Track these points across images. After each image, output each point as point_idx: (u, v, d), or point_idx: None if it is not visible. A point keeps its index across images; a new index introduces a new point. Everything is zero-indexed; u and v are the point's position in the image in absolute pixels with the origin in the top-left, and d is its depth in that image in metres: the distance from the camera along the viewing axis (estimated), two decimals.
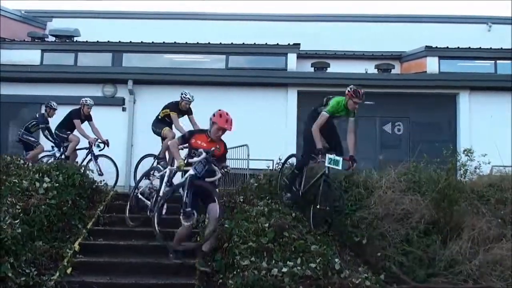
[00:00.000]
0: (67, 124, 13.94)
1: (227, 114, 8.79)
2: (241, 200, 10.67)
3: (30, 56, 19.01)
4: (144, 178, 10.49)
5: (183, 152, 9.63)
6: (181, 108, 12.89)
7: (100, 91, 17.87)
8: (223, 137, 9.05)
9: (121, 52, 19.40)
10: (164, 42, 19.43)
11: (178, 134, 12.80)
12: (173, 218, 9.15)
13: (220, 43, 19.42)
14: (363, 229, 9.41)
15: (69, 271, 8.57)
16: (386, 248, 9.22)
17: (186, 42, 19.47)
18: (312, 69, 19.31)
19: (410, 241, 9.29)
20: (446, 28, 22.49)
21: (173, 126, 12.88)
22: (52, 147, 14.11)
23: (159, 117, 13.05)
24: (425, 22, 23.34)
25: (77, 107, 14.12)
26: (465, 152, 10.74)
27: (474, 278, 8.50)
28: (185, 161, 8.74)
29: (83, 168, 12.34)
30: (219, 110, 8.85)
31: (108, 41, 19.40)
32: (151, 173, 10.57)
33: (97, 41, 19.52)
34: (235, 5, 46.51)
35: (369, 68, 19.51)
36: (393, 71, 19.64)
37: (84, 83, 17.84)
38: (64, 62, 19.09)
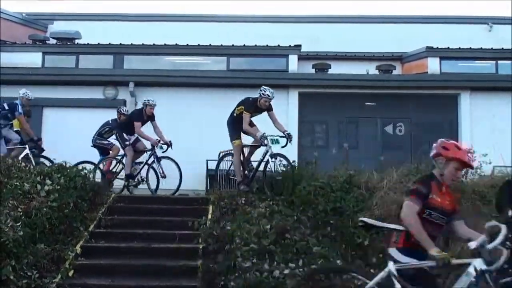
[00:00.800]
0: (129, 127, 13.41)
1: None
2: (243, 201, 10.64)
3: (31, 59, 19.04)
4: None
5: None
6: (260, 106, 11.75)
7: (102, 93, 17.87)
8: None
9: (122, 54, 19.45)
10: (165, 44, 19.46)
11: (246, 139, 12.01)
12: None
13: (221, 45, 19.44)
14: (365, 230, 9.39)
15: (70, 273, 8.55)
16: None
17: (187, 44, 19.49)
18: (313, 71, 19.33)
19: None
20: (447, 28, 22.52)
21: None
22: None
23: (235, 114, 11.89)
24: (426, 22, 23.38)
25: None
26: None
27: None
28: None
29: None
30: (444, 140, 5.74)
31: (109, 43, 19.44)
32: None
33: (98, 44, 19.55)
34: (236, 7, 46.58)
35: (370, 69, 19.53)
36: (394, 72, 19.66)
37: (85, 86, 17.85)
38: (65, 65, 19.13)
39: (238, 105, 11.88)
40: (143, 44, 19.45)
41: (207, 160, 15.09)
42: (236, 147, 11.64)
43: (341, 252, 9.11)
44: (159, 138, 13.28)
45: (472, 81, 18.41)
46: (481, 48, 19.63)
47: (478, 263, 5.13)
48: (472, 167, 6.25)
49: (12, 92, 16.87)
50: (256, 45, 19.35)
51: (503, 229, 5.15)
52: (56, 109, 17.73)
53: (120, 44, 19.44)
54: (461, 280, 5.25)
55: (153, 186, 13.12)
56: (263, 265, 8.13)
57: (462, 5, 43.85)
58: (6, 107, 13.30)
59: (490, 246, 5.10)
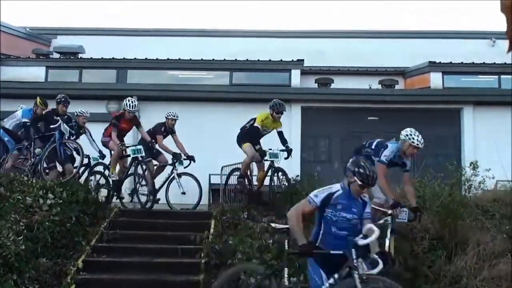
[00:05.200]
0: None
1: None
2: (245, 216, 10.63)
3: (35, 73, 19.10)
4: None
5: None
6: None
7: (105, 107, 17.89)
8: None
9: (126, 68, 19.49)
10: (168, 58, 19.51)
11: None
12: None
13: (224, 59, 19.48)
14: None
15: None
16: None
17: (190, 59, 19.52)
18: (316, 85, 19.35)
19: (415, 257, 9.24)
20: (450, 43, 22.52)
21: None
22: None
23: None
24: (428, 37, 23.39)
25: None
26: (471, 165, 10.73)
27: None
28: None
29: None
30: None
31: (113, 58, 19.48)
32: None
33: (102, 58, 19.61)
34: (239, 22, 46.77)
35: (373, 83, 19.54)
36: (397, 87, 19.66)
37: (88, 100, 17.86)
38: (68, 79, 19.19)
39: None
40: (146, 58, 19.50)
41: (209, 175, 15.08)
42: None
43: None
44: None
45: (475, 96, 18.43)
46: (484, 62, 19.62)
47: None
48: None
49: (16, 106, 16.91)
50: (258, 59, 19.39)
51: None
52: None
53: (124, 58, 19.49)
54: None
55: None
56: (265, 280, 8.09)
57: (464, 20, 43.94)
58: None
59: None
